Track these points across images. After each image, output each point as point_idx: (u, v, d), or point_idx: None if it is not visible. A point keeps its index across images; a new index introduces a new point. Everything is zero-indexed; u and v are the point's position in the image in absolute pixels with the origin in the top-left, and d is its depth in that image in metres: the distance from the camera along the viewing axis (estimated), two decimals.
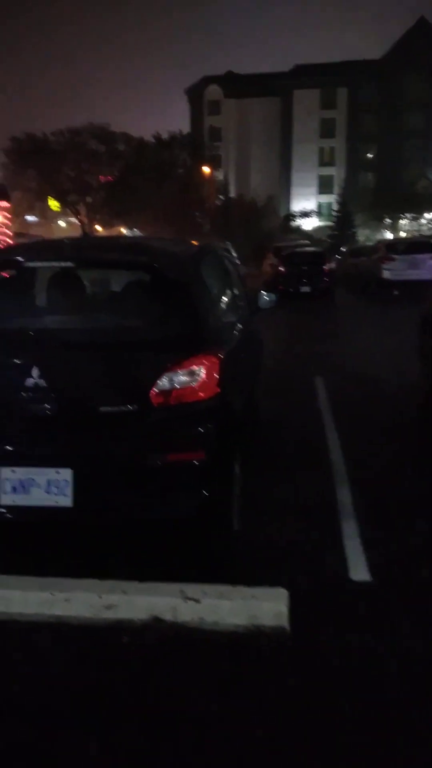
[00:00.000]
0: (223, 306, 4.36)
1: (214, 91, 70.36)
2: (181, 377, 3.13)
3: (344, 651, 2.67)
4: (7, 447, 3.19)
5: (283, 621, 2.77)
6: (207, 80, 70.77)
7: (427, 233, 41.83)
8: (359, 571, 3.31)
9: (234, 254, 17.02)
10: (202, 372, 3.15)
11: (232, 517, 3.49)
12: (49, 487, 3.12)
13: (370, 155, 65.55)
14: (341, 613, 2.95)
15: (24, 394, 3.11)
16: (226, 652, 2.66)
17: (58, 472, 3.11)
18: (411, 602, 3.04)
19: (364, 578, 3.24)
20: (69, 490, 3.10)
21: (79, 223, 40.69)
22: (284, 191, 67.27)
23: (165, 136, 40.03)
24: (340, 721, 2.28)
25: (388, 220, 52.68)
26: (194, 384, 3.14)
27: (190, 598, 2.84)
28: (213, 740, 2.20)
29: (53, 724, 2.30)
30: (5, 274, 3.92)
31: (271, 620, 2.78)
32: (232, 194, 46.48)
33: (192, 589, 2.89)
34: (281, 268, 18.81)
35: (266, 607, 2.81)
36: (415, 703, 2.37)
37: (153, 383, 3.10)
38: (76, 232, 38.71)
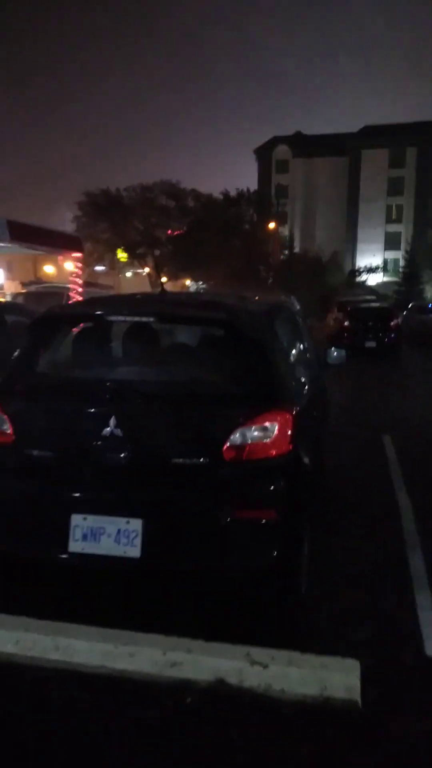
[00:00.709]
0: (295, 362, 4.36)
1: (282, 151, 72.24)
2: (255, 433, 3.12)
3: (418, 733, 2.50)
4: (81, 494, 3.23)
5: (355, 694, 2.63)
6: (276, 140, 72.83)
7: None
8: None
9: (299, 308, 17.10)
10: (276, 428, 3.13)
11: (300, 578, 3.39)
12: (119, 536, 3.13)
13: None
14: (415, 692, 2.79)
15: (100, 443, 3.16)
16: (294, 722, 2.54)
17: (128, 522, 3.12)
18: None
19: None
20: (138, 541, 3.09)
21: (147, 275, 42.00)
22: (349, 247, 67.60)
23: (233, 193, 41.18)
24: None
25: None
26: (267, 440, 3.12)
27: (258, 663, 2.75)
28: None
29: None
30: (89, 325, 4.05)
31: (342, 692, 2.65)
32: (297, 249, 47.03)
33: (259, 653, 2.80)
34: (346, 323, 18.73)
35: (337, 678, 2.69)
36: None
37: (226, 438, 3.10)
38: (143, 283, 39.91)
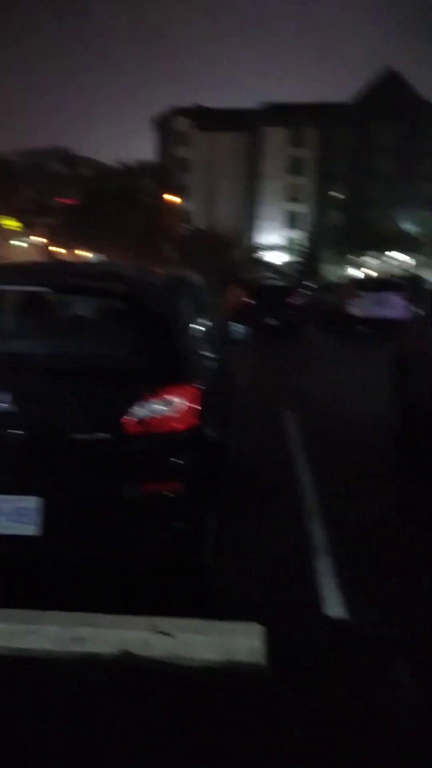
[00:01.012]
0: (199, 337, 4.36)
1: (183, 123, 71.48)
2: (158, 406, 3.10)
3: (321, 688, 2.63)
4: None
5: (259, 657, 2.71)
6: (176, 111, 71.94)
7: (395, 272, 43.01)
8: (335, 607, 3.28)
9: (202, 284, 17.13)
10: (181, 402, 3.13)
11: (206, 550, 3.44)
12: (16, 515, 3.03)
13: (337, 194, 67.40)
14: (316, 649, 2.91)
15: None
16: (201, 687, 2.58)
17: (26, 500, 3.03)
18: (388, 638, 3.01)
19: (339, 615, 3.22)
20: (36, 519, 3.01)
21: (40, 244, 40.40)
22: (251, 225, 68.42)
23: (131, 163, 40.39)
24: (315, 758, 2.23)
25: (353, 258, 54.05)
26: (171, 414, 3.11)
27: (163, 632, 2.76)
28: None
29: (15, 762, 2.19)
30: None
31: (246, 656, 2.71)
32: (199, 225, 47.05)
33: (165, 623, 2.81)
34: (248, 300, 18.98)
35: (242, 642, 2.75)
36: (392, 737, 2.34)
37: (128, 412, 3.05)
38: (34, 253, 38.37)
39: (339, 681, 2.68)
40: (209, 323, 5.13)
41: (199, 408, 3.20)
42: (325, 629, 3.11)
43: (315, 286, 28.29)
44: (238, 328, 5.60)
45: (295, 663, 2.79)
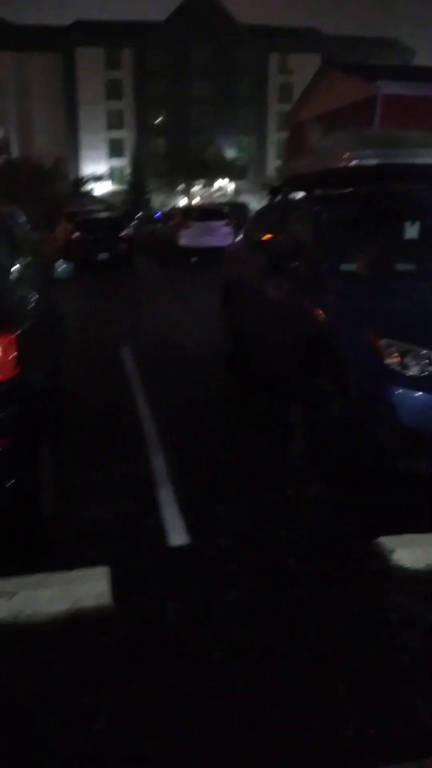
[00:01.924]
0: (16, 279, 4.05)
1: None
2: None
3: (169, 617, 2.68)
4: None
5: (105, 599, 2.71)
6: None
7: (219, 200, 43.37)
8: (178, 535, 3.34)
9: (23, 220, 16.02)
10: None
11: (43, 502, 3.31)
12: None
13: (159, 120, 65.65)
14: (163, 580, 2.96)
15: None
16: (48, 641, 2.53)
17: None
18: (229, 561, 3.12)
19: (183, 542, 3.29)
20: None
21: None
22: (73, 154, 64.73)
23: None
24: (168, 691, 2.29)
25: (181, 186, 53.47)
26: None
27: (4, 593, 2.65)
28: (43, 740, 2.09)
29: None
30: None
31: (92, 601, 2.70)
32: (16, 155, 43.73)
33: (5, 583, 2.70)
34: (76, 235, 18.19)
35: (87, 588, 2.73)
36: (241, 658, 2.46)
37: None
38: None
39: (182, 606, 2.75)
40: (29, 263, 4.79)
41: (20, 356, 2.99)
42: (168, 558, 3.15)
43: (145, 217, 27.74)
44: (60, 265, 5.30)
45: (141, 597, 2.81)
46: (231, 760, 2.00)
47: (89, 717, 2.16)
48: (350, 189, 5.01)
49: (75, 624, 2.61)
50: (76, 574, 2.79)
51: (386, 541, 3.03)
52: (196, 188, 51.69)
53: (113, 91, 66.66)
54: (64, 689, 2.30)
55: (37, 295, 4.32)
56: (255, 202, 27.89)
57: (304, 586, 2.89)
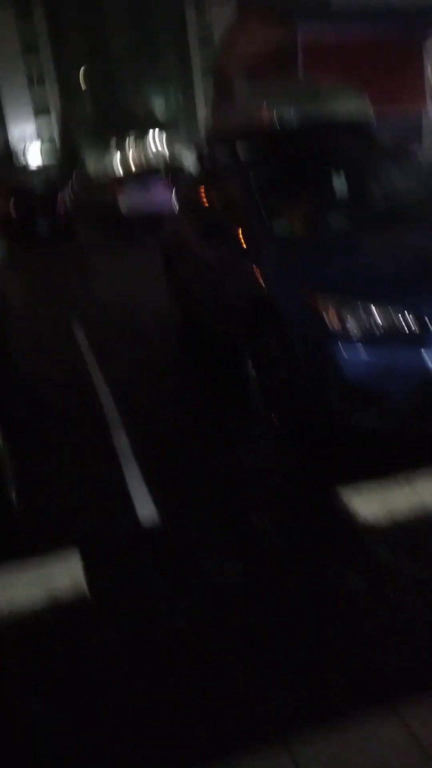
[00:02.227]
0: None
1: None
2: None
3: (142, 594, 2.79)
4: None
5: (79, 580, 2.81)
6: None
7: (154, 156, 42.18)
8: (147, 510, 3.44)
9: None
10: None
11: (8, 493, 3.36)
12: None
13: (81, 73, 62.90)
14: (135, 558, 3.06)
15: None
16: (25, 626, 2.63)
17: None
18: (197, 529, 3.24)
19: (152, 515, 3.39)
20: None
21: None
22: None
23: None
24: (146, 669, 2.43)
25: (113, 141, 51.72)
26: None
27: None
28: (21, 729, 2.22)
29: None
30: None
31: (65, 582, 2.80)
32: None
33: None
34: (11, 208, 17.54)
35: (60, 570, 2.83)
36: (212, 635, 2.61)
37: None
38: None
39: (154, 585, 2.85)
40: None
41: None
42: (138, 536, 3.25)
43: (81, 182, 26.83)
44: None
45: (113, 576, 2.91)
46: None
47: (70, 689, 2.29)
48: (275, 146, 4.99)
49: (50, 609, 2.70)
50: (46, 558, 2.89)
51: (344, 492, 3.20)
52: (129, 146, 50.13)
53: (28, 43, 63.37)
54: (44, 672, 2.41)
55: None
56: (189, 155, 27.17)
57: (268, 540, 3.04)
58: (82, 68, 60.58)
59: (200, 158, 5.77)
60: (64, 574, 2.82)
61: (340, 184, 4.86)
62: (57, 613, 2.69)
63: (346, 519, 3.11)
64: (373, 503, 3.12)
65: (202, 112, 57.50)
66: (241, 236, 4.45)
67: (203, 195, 5.63)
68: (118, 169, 22.08)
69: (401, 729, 1.97)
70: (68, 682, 2.36)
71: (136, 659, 2.43)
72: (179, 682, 2.30)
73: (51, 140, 55.88)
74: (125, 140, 49.71)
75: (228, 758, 1.94)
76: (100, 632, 2.60)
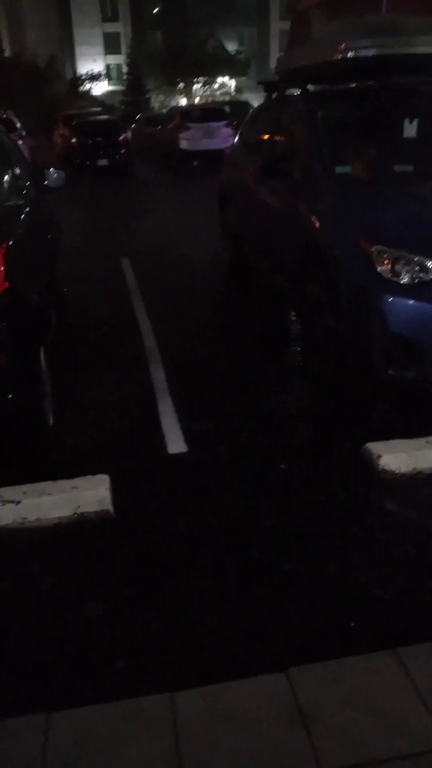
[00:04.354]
0: (2, 190, 3.97)
1: None
2: None
3: (166, 523, 2.83)
4: None
5: (107, 505, 2.85)
6: None
7: (220, 99, 41.20)
8: (177, 444, 3.46)
9: (18, 125, 15.41)
10: None
11: (45, 415, 3.42)
12: None
13: (155, 11, 61.05)
14: (161, 487, 3.10)
15: None
16: (52, 544, 2.70)
17: None
18: (225, 467, 3.26)
19: (181, 450, 3.41)
20: None
21: None
22: (68, 51, 60.84)
23: None
24: (169, 588, 2.47)
25: (181, 85, 50.50)
26: None
27: (9, 501, 2.80)
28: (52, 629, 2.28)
29: None
30: None
31: (94, 507, 2.84)
32: (7, 53, 41.26)
33: (10, 491, 2.84)
34: (73, 140, 17.51)
35: (88, 495, 2.86)
36: (229, 563, 2.63)
37: None
38: None
39: (179, 513, 2.89)
40: (17, 172, 4.66)
41: (10, 269, 2.98)
42: (167, 466, 3.29)
43: (145, 118, 26.48)
44: (53, 174, 5.14)
45: (140, 504, 2.96)
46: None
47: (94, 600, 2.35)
48: (347, 84, 4.76)
49: (79, 529, 2.77)
50: (78, 481, 2.91)
51: (373, 447, 3.13)
52: (196, 87, 48.86)
53: None
54: (66, 589, 2.48)
55: (28, 207, 4.24)
56: (258, 101, 26.41)
57: (294, 490, 3.03)
58: (156, 5, 58.86)
59: (268, 88, 5.56)
60: (92, 497, 2.85)
61: (408, 133, 4.61)
62: (82, 529, 2.76)
63: (369, 471, 3.07)
64: (400, 459, 3.06)
65: (276, 58, 55.35)
66: (300, 176, 4.30)
67: (265, 133, 5.44)
68: (181, 109, 21.63)
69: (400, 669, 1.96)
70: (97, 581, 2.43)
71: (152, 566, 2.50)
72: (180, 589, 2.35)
73: (119, 79, 54.93)
74: (193, 82, 48.46)
75: (226, 681, 1.96)
76: (119, 550, 2.66)
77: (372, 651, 2.05)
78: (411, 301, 3.21)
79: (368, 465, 3.10)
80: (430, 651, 2.04)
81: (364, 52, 4.23)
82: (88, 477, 2.97)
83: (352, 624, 2.22)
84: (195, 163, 17.31)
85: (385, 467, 3.04)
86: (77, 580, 2.50)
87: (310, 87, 4.85)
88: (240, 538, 2.70)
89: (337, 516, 2.82)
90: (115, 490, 2.94)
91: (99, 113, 24.17)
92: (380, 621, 2.23)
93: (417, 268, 3.25)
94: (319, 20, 23.18)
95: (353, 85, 4.78)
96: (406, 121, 4.61)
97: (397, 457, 3.06)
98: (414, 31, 4.44)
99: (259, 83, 6.12)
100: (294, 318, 4.24)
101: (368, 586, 2.39)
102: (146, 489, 3.09)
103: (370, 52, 4.23)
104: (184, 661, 2.10)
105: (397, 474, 3.03)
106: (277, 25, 59.68)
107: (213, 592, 2.40)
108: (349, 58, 4.28)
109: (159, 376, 4.32)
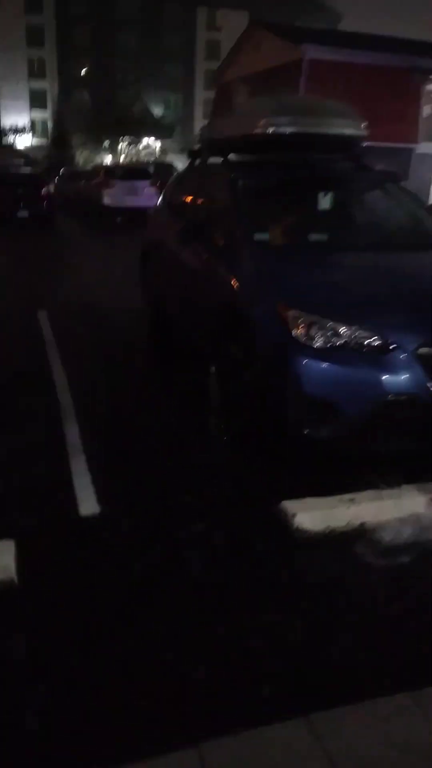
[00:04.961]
0: None
1: None
2: None
3: (74, 591, 2.70)
4: None
5: (10, 573, 2.69)
6: None
7: (145, 159, 42.35)
8: (89, 505, 3.34)
9: None
10: None
11: None
12: None
13: (82, 71, 62.68)
14: (71, 551, 2.96)
15: None
16: None
17: None
18: (139, 528, 3.16)
19: (94, 511, 3.29)
20: None
21: None
22: None
23: None
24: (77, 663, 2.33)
25: (107, 143, 51.57)
26: None
27: None
28: None
29: None
30: None
31: None
32: None
33: None
34: None
35: None
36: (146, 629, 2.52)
37: None
38: None
39: (88, 580, 2.77)
40: None
41: None
42: (78, 528, 3.16)
43: (69, 173, 26.75)
44: None
45: (47, 570, 2.81)
46: None
47: None
48: (266, 157, 5.01)
49: None
50: None
51: (288, 505, 3.15)
52: (122, 145, 50.05)
53: (34, 38, 63.09)
54: None
55: None
56: (181, 163, 27.36)
57: (210, 549, 2.97)
58: (84, 65, 60.49)
59: (192, 154, 5.76)
60: None
61: (323, 202, 4.88)
62: None
63: (284, 529, 3.07)
64: (315, 517, 3.09)
65: (199, 124, 57.92)
66: (221, 240, 4.42)
67: (187, 196, 5.59)
68: (106, 167, 22.04)
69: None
70: None
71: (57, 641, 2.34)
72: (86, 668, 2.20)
73: (44, 134, 55.56)
74: (119, 141, 49.62)
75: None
76: (28, 618, 2.50)
77: (284, 719, 2.00)
78: (324, 364, 3.31)
79: (283, 523, 3.11)
80: (341, 716, 2.01)
81: (282, 129, 4.50)
82: None
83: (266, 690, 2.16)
84: (118, 220, 17.56)
85: (300, 526, 3.05)
86: None
87: (232, 156, 5.06)
88: (152, 605, 2.61)
89: (252, 577, 2.78)
90: (20, 556, 2.78)
91: (21, 165, 24.17)
92: (291, 686, 2.18)
93: (330, 332, 3.37)
94: (242, 95, 24.64)
95: (272, 157, 5.02)
96: (321, 194, 4.87)
97: (311, 515, 3.09)
98: (327, 113, 4.78)
99: (184, 152, 6.37)
100: (213, 377, 4.26)
101: (279, 648, 2.34)
102: (54, 554, 2.94)
103: (288, 130, 4.50)
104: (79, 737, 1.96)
105: (311, 532, 3.05)
106: (202, 94, 62.76)
107: (120, 669, 2.28)
108: (269, 133, 4.53)
109: (73, 433, 4.20)
